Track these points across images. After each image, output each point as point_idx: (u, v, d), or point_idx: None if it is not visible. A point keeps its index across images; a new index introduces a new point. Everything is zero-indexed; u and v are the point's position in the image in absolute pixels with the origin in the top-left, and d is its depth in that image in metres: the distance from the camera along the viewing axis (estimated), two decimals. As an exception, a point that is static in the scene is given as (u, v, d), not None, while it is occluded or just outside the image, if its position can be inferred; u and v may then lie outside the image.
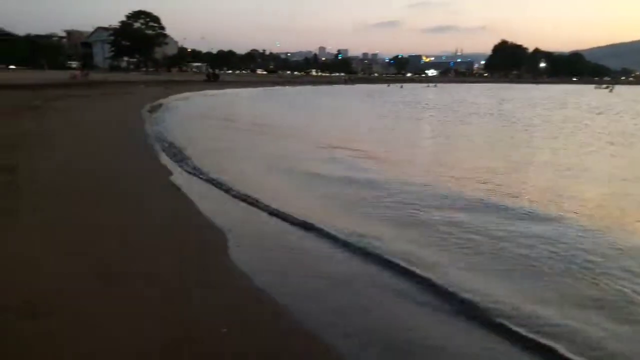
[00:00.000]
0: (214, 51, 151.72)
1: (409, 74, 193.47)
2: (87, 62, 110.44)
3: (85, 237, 6.10)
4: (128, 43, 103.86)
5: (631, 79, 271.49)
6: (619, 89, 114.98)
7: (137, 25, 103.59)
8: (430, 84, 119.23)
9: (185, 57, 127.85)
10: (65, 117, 18.77)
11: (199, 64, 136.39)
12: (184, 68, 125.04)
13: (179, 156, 12.57)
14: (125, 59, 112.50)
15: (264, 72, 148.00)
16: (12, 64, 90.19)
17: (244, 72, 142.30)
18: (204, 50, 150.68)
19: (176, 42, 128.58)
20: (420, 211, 8.12)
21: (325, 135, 19.37)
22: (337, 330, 4.28)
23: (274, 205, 8.06)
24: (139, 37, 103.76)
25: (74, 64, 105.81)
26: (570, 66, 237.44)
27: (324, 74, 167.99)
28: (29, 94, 29.14)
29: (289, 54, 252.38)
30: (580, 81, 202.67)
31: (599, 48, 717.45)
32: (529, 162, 14.53)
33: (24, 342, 3.71)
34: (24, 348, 3.65)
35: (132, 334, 3.89)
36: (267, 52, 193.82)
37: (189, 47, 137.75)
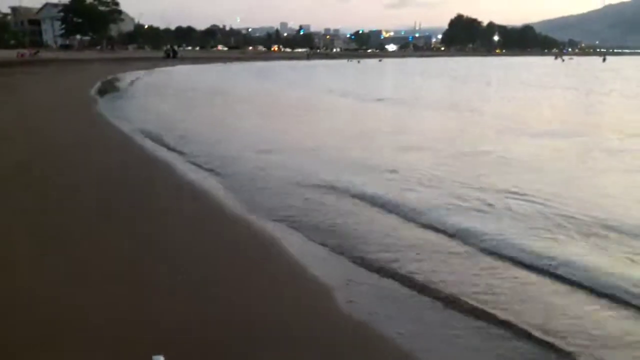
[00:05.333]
0: (172, 27, 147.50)
1: (369, 50, 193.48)
2: (36, 41, 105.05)
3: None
4: (80, 20, 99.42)
5: (577, 50, 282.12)
6: (577, 59, 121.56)
7: (89, 0, 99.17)
8: (382, 59, 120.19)
9: (142, 34, 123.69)
10: (13, 91, 20.67)
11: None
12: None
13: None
14: (78, 37, 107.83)
15: (225, 49, 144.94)
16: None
17: (205, 49, 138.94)
18: (162, 26, 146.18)
19: (132, 19, 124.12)
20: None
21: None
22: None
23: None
24: (92, 14, 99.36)
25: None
26: (522, 39, 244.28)
27: (286, 50, 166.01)
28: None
29: (250, 30, 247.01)
30: (532, 53, 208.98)
31: (549, 21, 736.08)
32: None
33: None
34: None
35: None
36: (228, 28, 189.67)
37: (146, 23, 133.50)
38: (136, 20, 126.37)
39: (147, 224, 5.72)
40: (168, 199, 6.87)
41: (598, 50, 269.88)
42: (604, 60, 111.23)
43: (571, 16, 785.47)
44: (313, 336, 3.58)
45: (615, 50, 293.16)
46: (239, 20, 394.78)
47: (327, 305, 4.05)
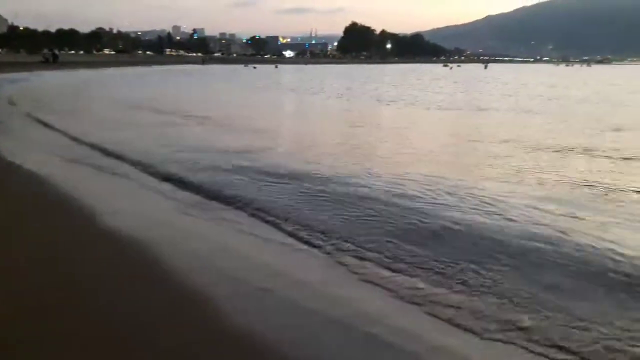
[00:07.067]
0: (53, 29, 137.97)
1: (267, 55, 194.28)
2: None
3: None
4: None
5: (463, 57, 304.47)
6: (464, 66, 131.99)
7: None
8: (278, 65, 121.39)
9: (17, 36, 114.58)
10: None
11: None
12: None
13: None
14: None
15: (113, 52, 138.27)
16: None
17: (90, 53, 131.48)
18: (41, 28, 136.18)
19: (5, 20, 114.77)
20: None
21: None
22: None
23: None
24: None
25: None
26: (413, 46, 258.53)
27: (180, 54, 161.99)
28: None
29: (139, 33, 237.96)
30: (422, 60, 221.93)
31: (437, 29, 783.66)
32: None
33: None
34: None
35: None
36: (115, 31, 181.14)
37: (22, 25, 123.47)
38: (9, 22, 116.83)
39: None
40: None
41: (481, 58, 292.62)
42: (486, 67, 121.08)
43: (456, 26, 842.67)
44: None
45: (497, 58, 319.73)
46: (127, 24, 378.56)
47: (211, 315, 3.70)
